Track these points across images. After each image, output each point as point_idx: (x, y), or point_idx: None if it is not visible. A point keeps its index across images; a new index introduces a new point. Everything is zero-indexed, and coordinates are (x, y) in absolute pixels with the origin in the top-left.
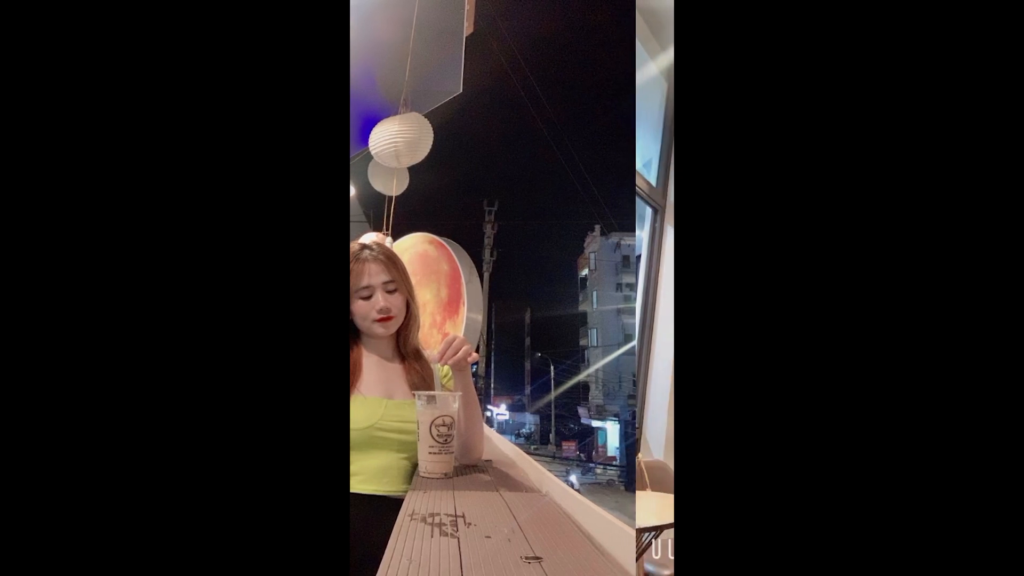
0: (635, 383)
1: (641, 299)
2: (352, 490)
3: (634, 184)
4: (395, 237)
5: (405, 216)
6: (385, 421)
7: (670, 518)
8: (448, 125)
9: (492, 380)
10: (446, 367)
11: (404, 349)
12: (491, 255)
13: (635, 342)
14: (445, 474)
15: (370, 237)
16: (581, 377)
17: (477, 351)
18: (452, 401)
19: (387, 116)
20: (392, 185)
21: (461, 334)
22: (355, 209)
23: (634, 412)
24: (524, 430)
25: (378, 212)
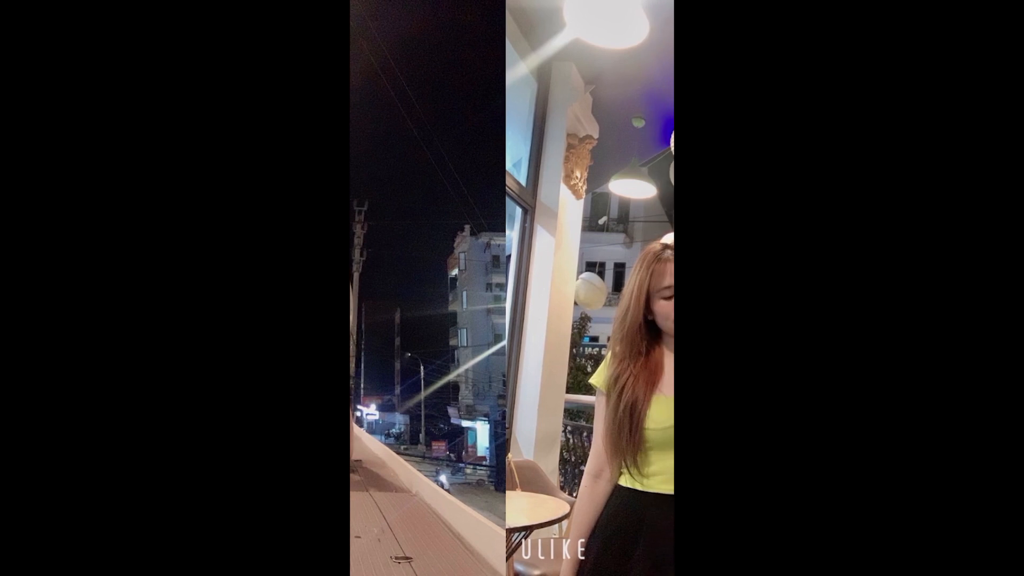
0: (505, 383)
1: (511, 299)
2: None
3: (504, 184)
4: None
5: None
6: None
7: (540, 518)
8: None
9: (362, 380)
10: None
11: None
12: (361, 255)
13: (505, 342)
14: None
15: (670, 238)
16: (451, 377)
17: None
18: None
19: None
20: None
21: None
22: (657, 209)
23: (504, 412)
24: (394, 430)
25: None
